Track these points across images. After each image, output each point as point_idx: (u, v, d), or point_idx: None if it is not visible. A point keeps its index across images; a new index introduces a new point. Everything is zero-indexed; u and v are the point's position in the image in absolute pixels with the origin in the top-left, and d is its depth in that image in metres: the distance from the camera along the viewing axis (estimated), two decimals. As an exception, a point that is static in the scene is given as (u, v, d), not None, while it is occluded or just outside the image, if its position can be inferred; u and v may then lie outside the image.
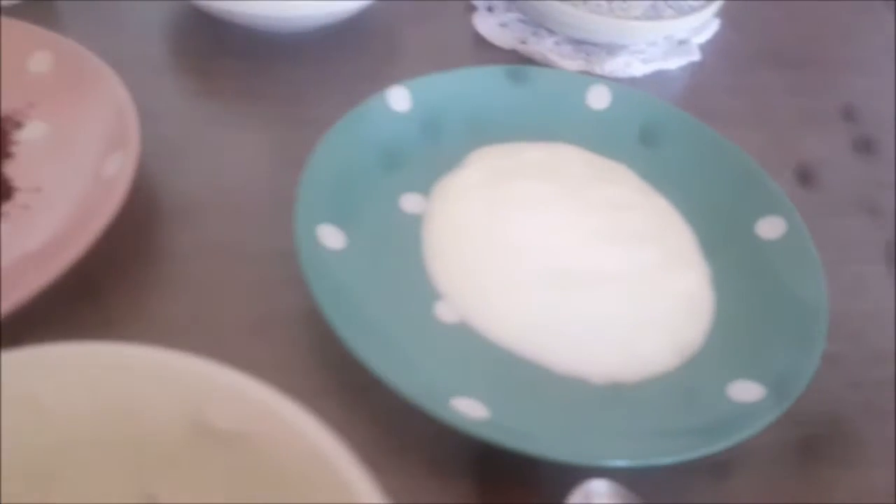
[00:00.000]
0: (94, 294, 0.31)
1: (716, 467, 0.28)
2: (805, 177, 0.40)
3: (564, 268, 0.31)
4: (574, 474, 0.25)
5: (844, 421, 0.32)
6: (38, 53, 0.37)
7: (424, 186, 0.35)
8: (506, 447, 0.25)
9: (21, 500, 0.21)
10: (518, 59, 0.46)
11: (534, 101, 0.39)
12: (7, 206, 0.32)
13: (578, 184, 0.35)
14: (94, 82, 0.35)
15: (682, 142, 0.38)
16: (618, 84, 0.40)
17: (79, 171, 0.33)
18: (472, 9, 0.49)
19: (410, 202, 0.34)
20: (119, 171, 0.31)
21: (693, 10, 0.46)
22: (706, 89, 0.47)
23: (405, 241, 0.33)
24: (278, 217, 0.33)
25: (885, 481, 0.30)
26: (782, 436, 0.29)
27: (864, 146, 0.42)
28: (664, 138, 0.39)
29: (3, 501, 0.21)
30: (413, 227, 0.33)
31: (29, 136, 0.35)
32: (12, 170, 0.33)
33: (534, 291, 0.30)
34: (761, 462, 0.29)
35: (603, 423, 0.28)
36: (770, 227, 0.34)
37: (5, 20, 0.37)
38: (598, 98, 0.40)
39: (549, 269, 0.31)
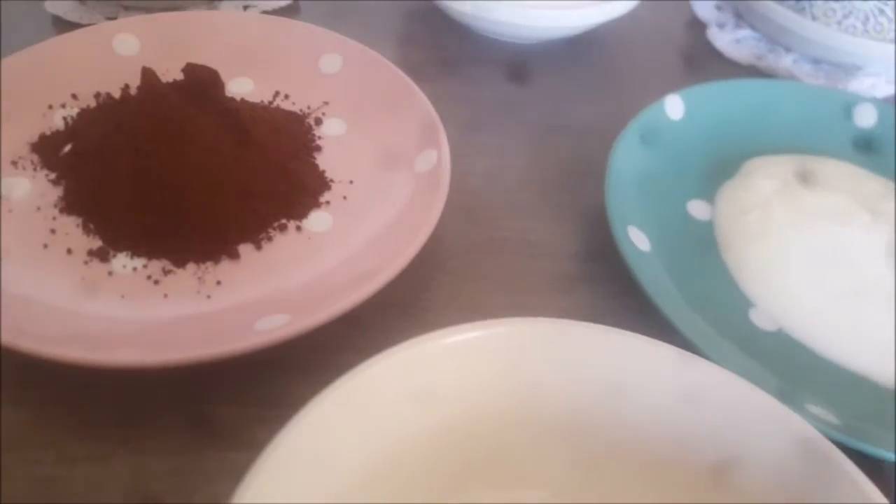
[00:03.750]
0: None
1: None
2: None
3: (874, 279, 0.31)
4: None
5: None
6: (329, 55, 0.39)
7: (707, 193, 0.36)
8: (866, 453, 0.25)
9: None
10: (759, 75, 0.46)
11: (799, 114, 0.39)
12: (328, 196, 0.34)
13: (865, 197, 0.35)
14: (383, 80, 0.37)
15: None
16: (883, 103, 0.40)
17: (386, 164, 0.35)
18: (703, 25, 0.49)
19: (697, 208, 0.35)
20: (436, 167, 0.33)
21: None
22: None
23: (701, 247, 0.33)
24: (560, 215, 0.34)
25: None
26: None
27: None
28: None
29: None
30: (705, 233, 0.34)
31: (329, 132, 0.37)
32: (323, 162, 0.35)
33: (849, 301, 0.30)
34: None
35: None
36: None
37: (299, 24, 0.40)
38: (865, 116, 0.39)
39: (860, 278, 0.31)
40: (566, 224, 0.35)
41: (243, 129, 0.32)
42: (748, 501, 0.22)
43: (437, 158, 0.33)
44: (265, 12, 0.45)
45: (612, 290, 0.32)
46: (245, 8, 0.45)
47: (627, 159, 0.34)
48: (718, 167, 0.37)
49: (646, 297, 0.29)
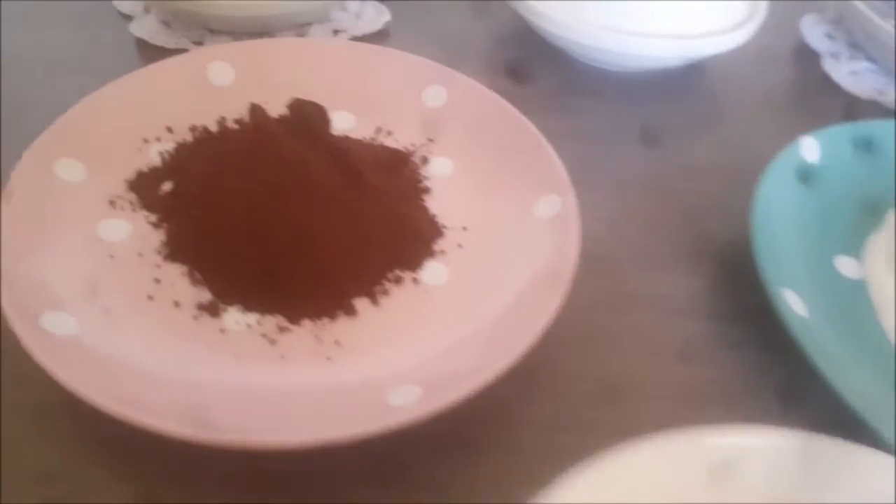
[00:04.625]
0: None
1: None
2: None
3: None
4: None
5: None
6: (432, 87, 0.37)
7: (853, 247, 0.33)
8: None
9: None
10: (880, 111, 0.43)
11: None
12: (441, 244, 0.31)
13: None
14: (492, 116, 0.35)
15: None
16: None
17: (502, 209, 0.32)
18: (812, 53, 0.46)
19: (845, 265, 0.32)
20: (561, 215, 0.30)
21: None
22: None
23: (855, 311, 0.30)
24: (691, 266, 0.32)
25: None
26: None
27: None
28: None
29: None
30: (858, 294, 0.31)
31: (437, 172, 0.34)
32: (433, 206, 0.33)
33: None
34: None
35: None
36: None
37: (400, 53, 0.38)
38: None
39: None
40: (699, 276, 0.32)
41: (355, 170, 0.30)
42: None
43: (561, 205, 0.30)
44: (355, 37, 0.43)
45: (762, 360, 0.29)
46: (335, 33, 0.43)
47: (769, 211, 0.31)
48: (862, 216, 0.34)
49: (811, 371, 0.26)
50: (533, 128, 0.34)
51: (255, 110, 0.30)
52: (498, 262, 0.30)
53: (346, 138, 0.33)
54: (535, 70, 0.44)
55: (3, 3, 0.45)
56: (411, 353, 0.27)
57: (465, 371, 0.25)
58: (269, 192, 0.29)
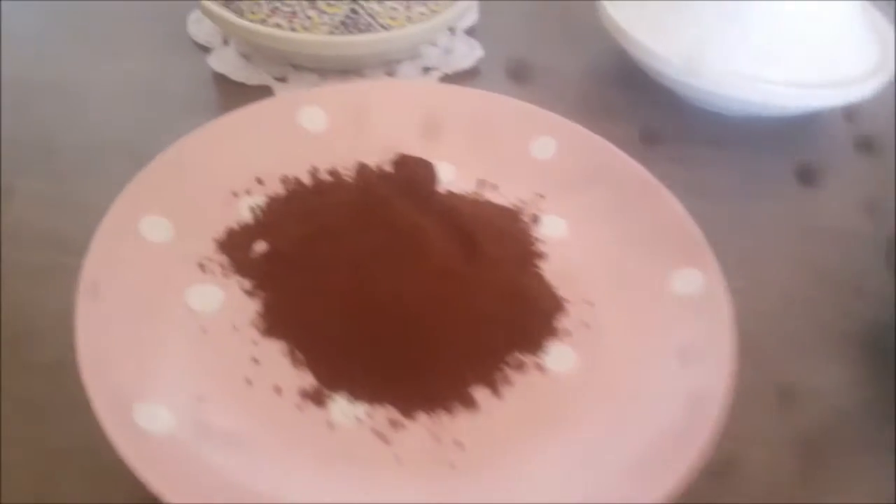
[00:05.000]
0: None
1: None
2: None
3: None
4: None
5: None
6: (541, 137, 0.33)
7: None
8: None
9: None
10: None
11: None
12: (564, 321, 0.28)
13: None
14: (610, 172, 0.31)
15: None
16: None
17: (630, 282, 0.29)
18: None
19: None
20: (706, 294, 0.26)
21: None
22: None
23: None
24: (846, 354, 0.28)
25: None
26: None
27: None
28: None
29: None
30: None
31: (549, 233, 0.31)
32: (550, 274, 0.29)
33: None
34: None
35: None
36: None
37: (502, 98, 0.34)
38: None
39: None
40: (857, 367, 0.28)
41: (470, 236, 0.27)
42: None
43: (704, 282, 0.27)
44: (446, 75, 0.40)
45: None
46: (425, 70, 0.40)
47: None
48: None
49: None
50: (663, 188, 0.30)
51: (363, 170, 0.27)
52: (634, 349, 0.26)
53: (453, 195, 0.30)
54: (637, 111, 0.40)
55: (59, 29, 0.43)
56: (544, 467, 0.23)
57: (616, 488, 0.21)
58: (378, 262, 0.26)
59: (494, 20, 0.45)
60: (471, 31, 0.44)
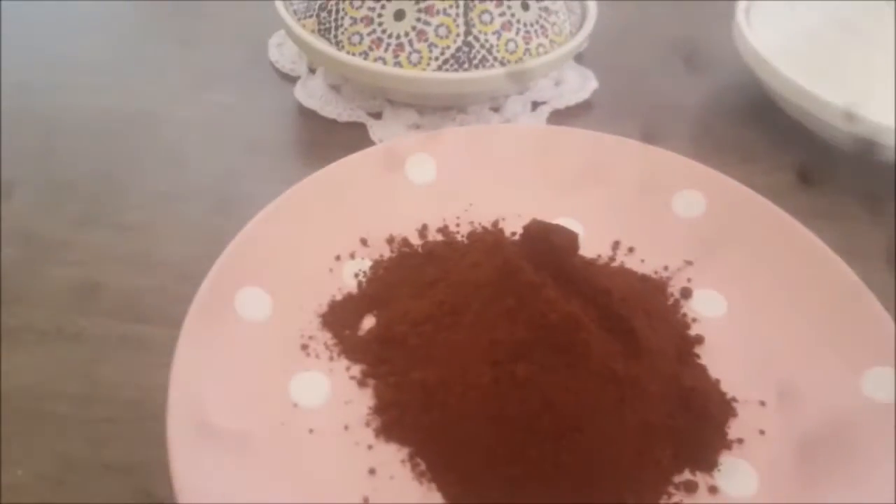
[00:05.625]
0: None
1: None
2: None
3: None
4: None
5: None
6: (686, 192, 0.29)
7: None
8: None
9: None
10: None
11: None
12: (737, 428, 0.23)
13: None
14: (777, 237, 0.26)
15: None
16: None
17: (815, 382, 0.23)
18: None
19: None
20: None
21: None
22: None
23: None
24: None
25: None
26: None
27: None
28: None
29: None
30: None
31: (703, 311, 0.26)
32: (711, 366, 0.24)
33: None
34: None
35: None
36: None
37: (642, 146, 0.30)
38: None
39: None
40: None
41: (628, 325, 0.22)
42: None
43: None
44: (557, 110, 0.36)
45: None
46: (534, 105, 0.36)
47: None
48: None
49: None
50: (841, 262, 0.25)
51: (499, 243, 0.23)
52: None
53: (593, 266, 0.26)
54: (775, 153, 0.35)
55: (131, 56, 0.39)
56: None
57: None
58: (523, 358, 0.21)
59: (606, 45, 0.40)
60: (579, 58, 0.39)
